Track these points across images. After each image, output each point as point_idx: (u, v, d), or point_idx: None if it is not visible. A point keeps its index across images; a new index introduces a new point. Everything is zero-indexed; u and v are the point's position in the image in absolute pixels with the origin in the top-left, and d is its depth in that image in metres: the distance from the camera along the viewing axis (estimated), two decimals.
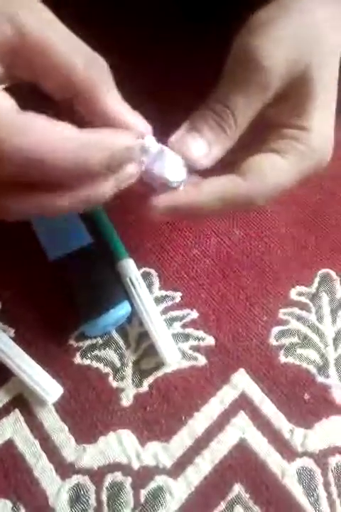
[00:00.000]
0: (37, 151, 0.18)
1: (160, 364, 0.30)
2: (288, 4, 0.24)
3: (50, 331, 0.30)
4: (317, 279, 0.34)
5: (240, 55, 0.23)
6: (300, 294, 0.33)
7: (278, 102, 0.23)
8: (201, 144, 0.22)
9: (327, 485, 0.27)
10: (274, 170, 0.23)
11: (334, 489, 0.27)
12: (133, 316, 0.31)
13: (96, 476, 0.27)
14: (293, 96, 0.23)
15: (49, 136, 0.18)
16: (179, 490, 0.27)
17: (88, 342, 0.31)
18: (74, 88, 0.20)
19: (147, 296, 0.31)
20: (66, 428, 0.28)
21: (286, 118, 0.24)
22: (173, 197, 0.22)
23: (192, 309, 0.32)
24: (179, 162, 0.22)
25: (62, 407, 0.29)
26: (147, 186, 0.23)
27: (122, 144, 0.20)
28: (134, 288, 0.31)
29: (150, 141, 0.22)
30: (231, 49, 0.23)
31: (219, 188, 0.23)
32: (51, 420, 0.28)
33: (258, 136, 0.24)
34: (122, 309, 0.30)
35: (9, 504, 0.27)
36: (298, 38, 0.23)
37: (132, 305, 0.31)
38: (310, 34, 0.23)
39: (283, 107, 0.24)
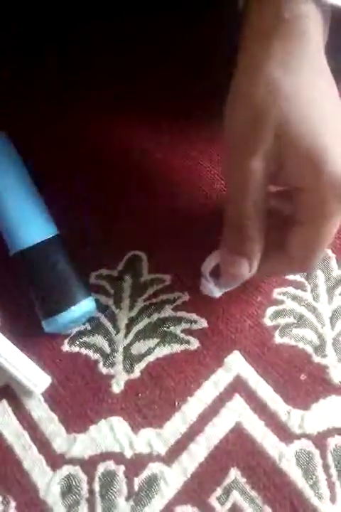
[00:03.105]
0: None
1: (151, 348, 0.29)
2: (237, 80, 0.24)
3: (36, 319, 0.29)
4: None
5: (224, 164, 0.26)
6: None
7: (280, 173, 0.24)
8: (244, 263, 0.26)
9: (326, 467, 0.27)
10: (304, 241, 0.25)
11: (333, 471, 0.27)
12: (122, 302, 0.30)
13: (88, 465, 0.26)
14: (284, 161, 0.23)
15: None
16: (174, 477, 0.26)
17: (76, 328, 0.29)
18: None
19: None
20: (55, 418, 0.27)
21: (292, 183, 0.24)
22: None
23: (183, 292, 0.31)
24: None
25: (51, 397, 0.28)
26: None
27: None
28: None
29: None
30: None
31: (269, 268, 0.28)
32: (40, 410, 0.27)
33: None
34: (86, 306, 0.28)
35: None
36: (255, 109, 0.23)
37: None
38: (267, 97, 0.23)
39: (284, 177, 0.24)
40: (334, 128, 0.23)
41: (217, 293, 0.29)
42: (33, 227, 0.29)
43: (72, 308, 0.28)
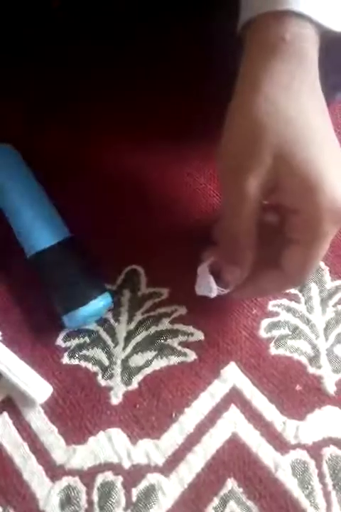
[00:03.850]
0: None
1: (149, 361, 0.30)
2: (237, 98, 0.25)
3: (37, 333, 0.30)
4: None
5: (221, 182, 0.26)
6: None
7: (275, 193, 0.25)
8: (237, 271, 0.28)
9: (322, 476, 0.27)
10: (299, 260, 0.26)
11: (329, 480, 0.27)
12: (120, 315, 0.31)
13: (87, 476, 0.27)
14: (280, 182, 0.24)
15: None
16: (171, 487, 0.27)
17: (76, 341, 0.30)
18: None
19: None
20: (55, 429, 0.28)
21: (287, 204, 0.25)
22: (242, 292, 0.29)
23: (180, 305, 0.32)
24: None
25: (51, 409, 0.28)
26: None
27: None
28: None
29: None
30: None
31: (269, 284, 0.28)
32: (40, 422, 0.28)
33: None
34: (102, 300, 0.30)
35: None
36: (249, 135, 0.24)
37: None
38: (267, 118, 0.23)
39: (279, 197, 0.25)
40: (328, 152, 0.24)
41: (214, 292, 0.29)
42: (51, 228, 0.31)
43: (92, 302, 0.29)
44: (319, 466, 0.27)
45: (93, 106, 0.39)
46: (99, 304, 0.30)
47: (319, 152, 0.23)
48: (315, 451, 0.28)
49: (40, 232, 0.31)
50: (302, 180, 0.23)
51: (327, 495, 0.27)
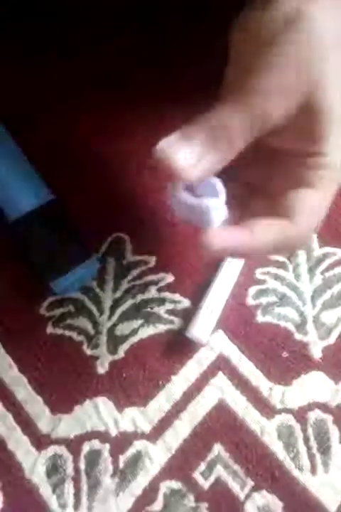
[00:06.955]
0: None
1: (135, 329, 0.29)
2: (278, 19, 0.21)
3: (20, 302, 0.29)
4: None
5: (239, 75, 0.22)
6: None
7: (291, 130, 0.22)
8: (189, 154, 0.21)
9: (306, 440, 0.27)
10: (315, 208, 0.23)
11: (313, 444, 0.27)
12: (106, 284, 0.31)
13: (73, 445, 0.27)
14: (303, 122, 0.22)
15: None
16: (158, 454, 0.27)
17: (60, 310, 0.30)
18: None
19: None
20: (40, 399, 0.28)
21: (302, 146, 0.23)
22: (227, 238, 0.22)
23: (167, 273, 0.31)
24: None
25: (36, 378, 0.28)
26: None
27: None
28: None
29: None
30: (229, 57, 0.23)
31: (272, 235, 0.23)
32: (24, 392, 0.28)
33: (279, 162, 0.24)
34: (90, 265, 0.29)
35: None
36: (294, 62, 0.21)
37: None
38: (307, 55, 0.21)
39: (297, 135, 0.23)
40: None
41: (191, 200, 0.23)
42: (35, 191, 0.30)
43: (79, 267, 0.29)
44: (304, 429, 0.28)
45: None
46: (87, 268, 0.29)
47: None
48: (300, 415, 0.28)
49: (23, 195, 0.30)
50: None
51: (311, 457, 0.27)
